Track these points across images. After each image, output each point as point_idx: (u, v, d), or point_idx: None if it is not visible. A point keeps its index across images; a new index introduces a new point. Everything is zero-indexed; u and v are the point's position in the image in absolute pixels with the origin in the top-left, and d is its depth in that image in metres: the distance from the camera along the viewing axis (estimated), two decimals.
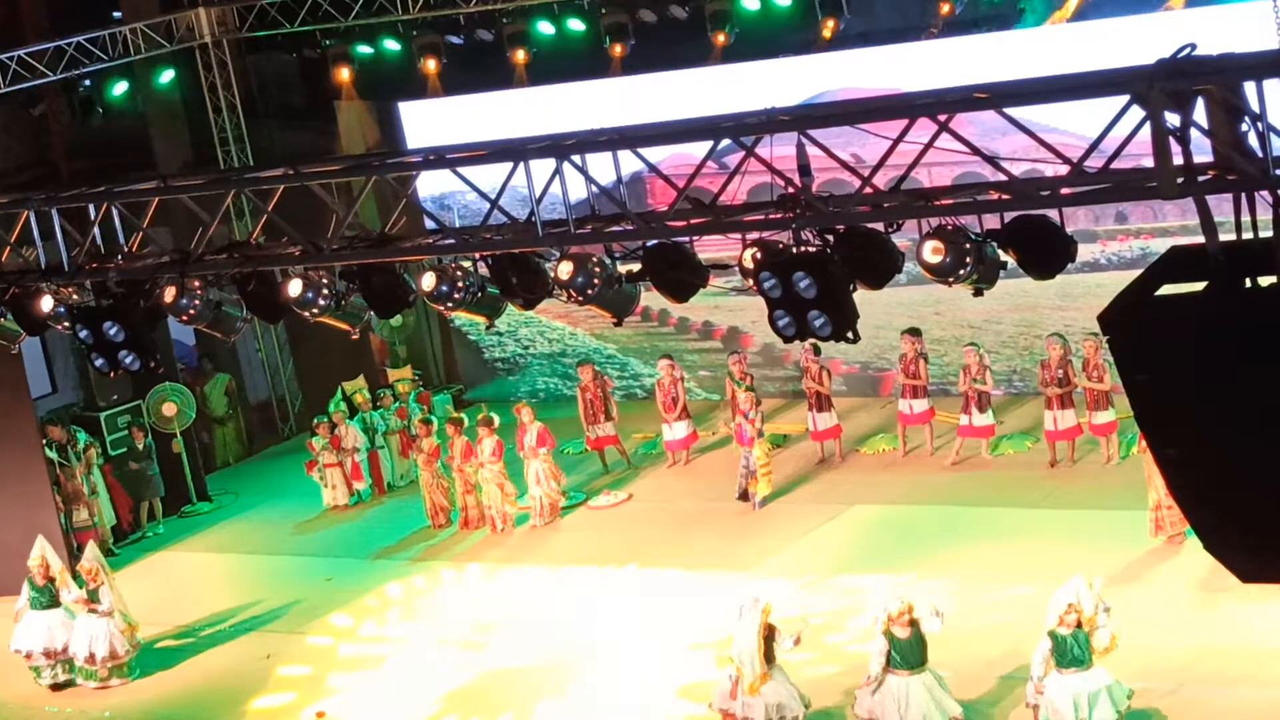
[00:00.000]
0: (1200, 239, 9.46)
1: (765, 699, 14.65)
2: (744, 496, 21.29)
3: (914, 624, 14.26)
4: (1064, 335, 20.93)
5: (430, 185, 24.06)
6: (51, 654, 18.96)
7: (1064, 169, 11.06)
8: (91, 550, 19.20)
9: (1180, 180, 9.93)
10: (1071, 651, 13.83)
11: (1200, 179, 9.94)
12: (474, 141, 14.68)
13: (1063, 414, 20.71)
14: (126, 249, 15.65)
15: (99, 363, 15.56)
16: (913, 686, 14.23)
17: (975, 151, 11.51)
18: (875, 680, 14.35)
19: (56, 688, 18.94)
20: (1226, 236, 9.49)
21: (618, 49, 24.62)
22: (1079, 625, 13.85)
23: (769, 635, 14.64)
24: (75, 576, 19.03)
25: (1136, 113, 9.98)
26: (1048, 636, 13.95)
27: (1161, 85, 9.67)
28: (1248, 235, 9.51)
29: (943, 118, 11.44)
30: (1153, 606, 16.26)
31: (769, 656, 14.63)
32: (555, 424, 22.78)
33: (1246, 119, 9.70)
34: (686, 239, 13.06)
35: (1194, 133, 9.82)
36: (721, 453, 23.49)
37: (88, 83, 26.61)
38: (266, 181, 14.89)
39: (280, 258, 14.59)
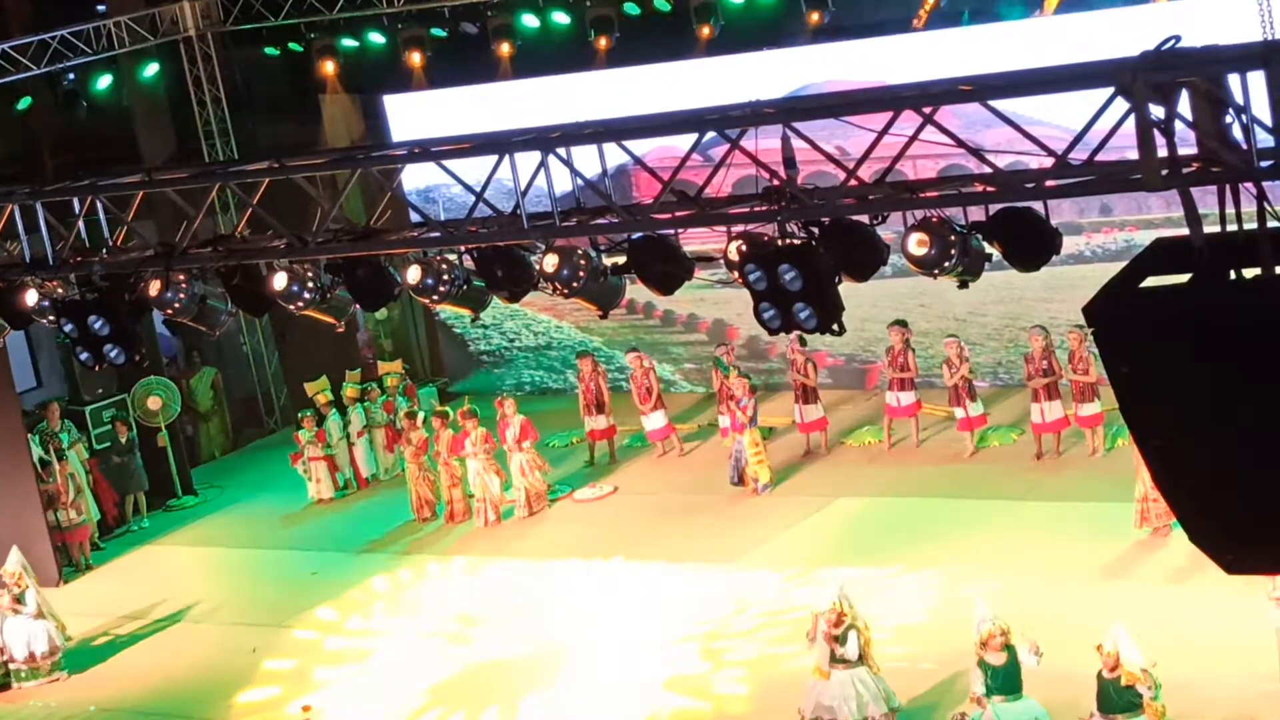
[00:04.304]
0: (1185, 231, 9.46)
1: (819, 697, 14.68)
2: (739, 481, 21.31)
3: (1009, 648, 13.78)
4: (1046, 327, 20.96)
5: (415, 178, 24.01)
6: None
7: (1049, 161, 11.05)
8: (15, 555, 19.02)
9: (1165, 172, 9.91)
10: (1113, 698, 13.34)
11: (1185, 171, 9.92)
12: (459, 134, 14.66)
13: (1049, 406, 20.75)
14: (111, 243, 15.61)
15: (83, 356, 15.48)
16: (1003, 714, 13.81)
17: (960, 144, 11.51)
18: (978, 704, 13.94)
19: None
20: (1211, 228, 9.49)
21: (602, 42, 24.64)
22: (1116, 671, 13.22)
23: (831, 638, 14.54)
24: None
25: (1121, 105, 9.96)
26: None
27: (1146, 77, 9.66)
28: (1232, 227, 9.51)
29: (928, 110, 11.43)
30: (1138, 599, 16.29)
31: (831, 657, 14.57)
32: (541, 417, 22.76)
33: (1231, 111, 9.70)
34: (672, 231, 13.05)
35: (1178, 125, 9.81)
36: (706, 444, 23.50)
37: (72, 76, 26.54)
38: (251, 175, 14.84)
39: (265, 251, 14.55)
